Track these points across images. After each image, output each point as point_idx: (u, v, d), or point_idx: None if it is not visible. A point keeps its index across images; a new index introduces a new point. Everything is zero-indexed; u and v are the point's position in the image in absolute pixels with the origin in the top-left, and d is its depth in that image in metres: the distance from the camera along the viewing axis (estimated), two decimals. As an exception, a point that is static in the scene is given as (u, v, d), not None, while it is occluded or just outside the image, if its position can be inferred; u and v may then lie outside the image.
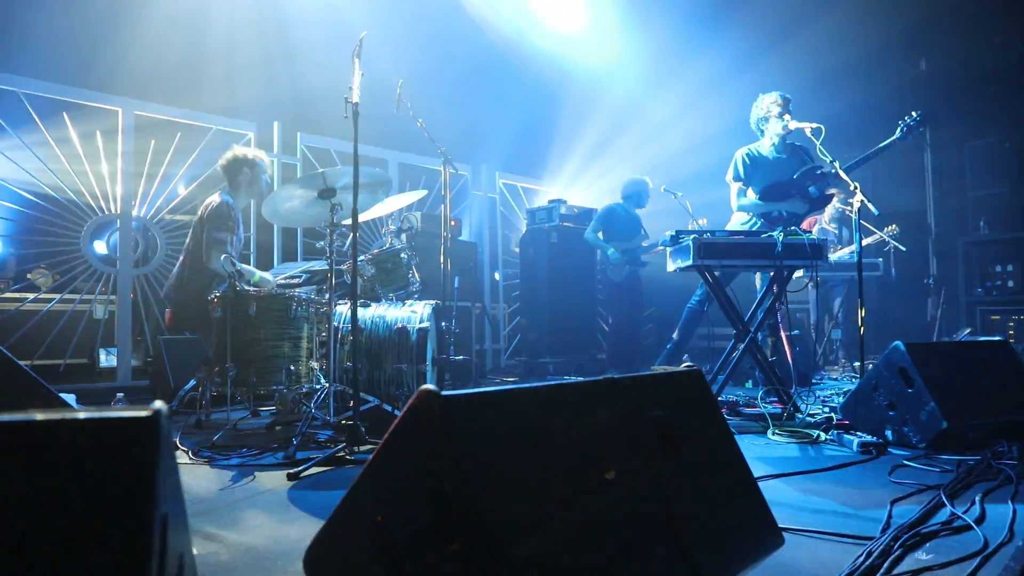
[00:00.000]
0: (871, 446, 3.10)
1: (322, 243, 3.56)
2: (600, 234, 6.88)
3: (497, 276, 8.72)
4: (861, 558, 1.69)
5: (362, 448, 3.10)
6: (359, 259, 3.73)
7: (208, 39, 6.06)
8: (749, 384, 5.62)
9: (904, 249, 7.12)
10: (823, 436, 3.43)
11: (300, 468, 2.76)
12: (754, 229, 4.76)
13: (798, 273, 4.45)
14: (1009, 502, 2.17)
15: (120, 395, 4.87)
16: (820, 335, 7.08)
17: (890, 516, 2.06)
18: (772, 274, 4.37)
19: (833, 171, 4.33)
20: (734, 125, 5.39)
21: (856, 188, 4.10)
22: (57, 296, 5.45)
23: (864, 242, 4.47)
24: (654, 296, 7.66)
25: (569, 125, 9.13)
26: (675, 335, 5.35)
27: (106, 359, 5.63)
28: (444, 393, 1.18)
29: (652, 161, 9.11)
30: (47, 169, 5.40)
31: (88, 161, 5.56)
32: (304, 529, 2.05)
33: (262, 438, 3.56)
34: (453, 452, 1.15)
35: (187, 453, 3.14)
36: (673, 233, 4.21)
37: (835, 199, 6.02)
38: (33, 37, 5.17)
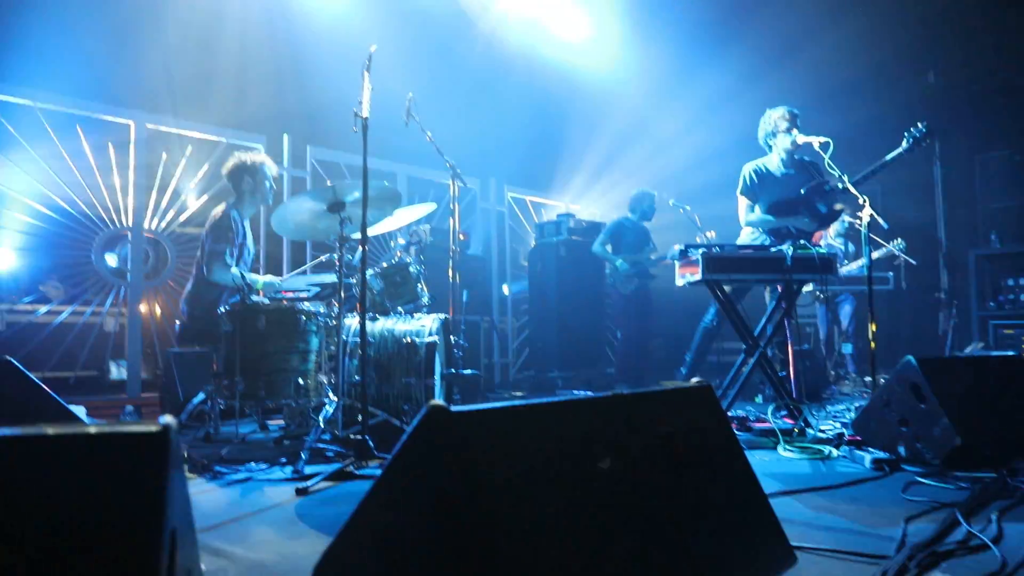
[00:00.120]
0: (884, 463, 3.06)
1: (327, 256, 3.56)
2: (608, 247, 6.88)
3: (506, 290, 8.72)
4: (875, 577, 1.66)
5: (371, 463, 3.09)
6: (368, 272, 3.74)
7: (219, 53, 6.11)
8: (759, 399, 5.58)
9: (915, 263, 7.08)
10: (835, 452, 3.40)
11: (308, 483, 2.75)
12: (763, 244, 4.75)
13: (807, 287, 4.43)
14: (1026, 520, 2.14)
15: (129, 408, 4.89)
16: (830, 350, 7.03)
17: (905, 534, 2.03)
18: (780, 288, 4.35)
19: (842, 185, 4.31)
20: (742, 138, 5.38)
21: (865, 202, 4.08)
22: (68, 308, 5.48)
23: (872, 255, 4.45)
24: (663, 310, 7.64)
25: (577, 139, 9.15)
26: (688, 356, 5.28)
27: (117, 371, 5.66)
28: (453, 408, 1.18)
29: (660, 174, 9.12)
30: (60, 182, 5.45)
31: (100, 174, 5.61)
32: (313, 545, 2.04)
33: (270, 452, 3.55)
34: (462, 467, 1.14)
35: (196, 467, 3.14)
36: (682, 247, 4.19)
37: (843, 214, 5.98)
38: (48, 53, 5.22)
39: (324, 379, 3.66)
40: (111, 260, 5.88)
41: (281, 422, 4.36)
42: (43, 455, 0.93)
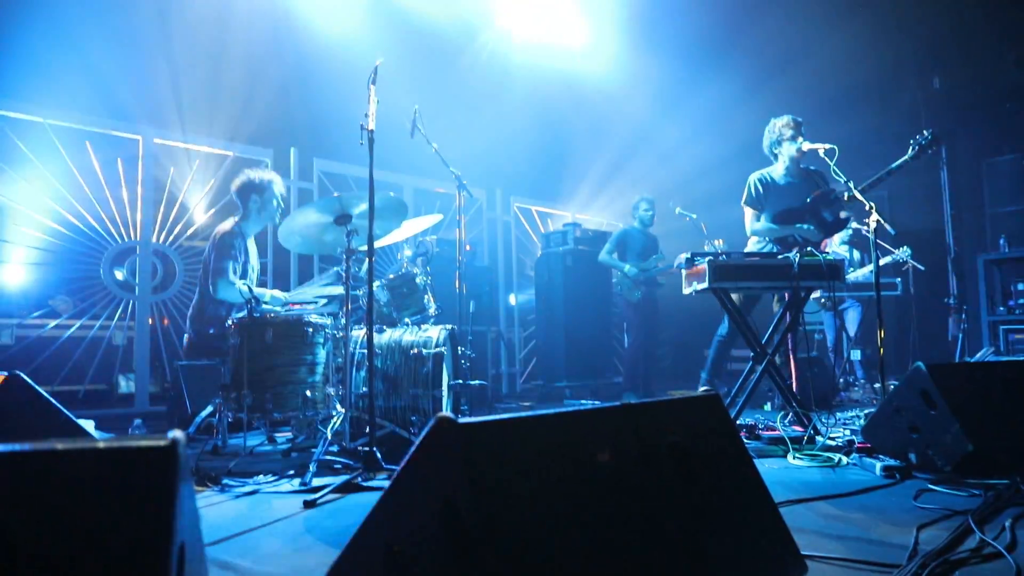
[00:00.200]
0: (895, 470, 3.04)
1: (336, 268, 3.58)
2: (615, 256, 6.88)
3: (512, 300, 8.73)
4: (887, 586, 1.65)
5: (379, 474, 3.09)
6: (375, 284, 3.75)
7: (226, 68, 6.16)
8: (768, 407, 5.56)
9: (923, 268, 7.05)
10: (845, 460, 3.38)
11: (316, 495, 2.75)
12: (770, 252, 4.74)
13: (815, 294, 4.41)
14: (1039, 528, 2.12)
15: (138, 421, 4.90)
16: (839, 357, 7.00)
17: (916, 542, 2.01)
18: (788, 296, 4.34)
19: (848, 192, 4.30)
20: (748, 146, 5.39)
21: (872, 208, 4.07)
22: (77, 322, 5.51)
23: (880, 262, 4.44)
24: (671, 318, 7.63)
25: (582, 148, 9.17)
26: (704, 374, 5.23)
27: (125, 385, 5.68)
28: (460, 420, 1.18)
29: (666, 183, 9.12)
30: (69, 197, 5.49)
31: (109, 189, 5.66)
32: (321, 557, 2.03)
33: (278, 464, 3.55)
34: (470, 479, 1.14)
35: (204, 480, 3.14)
36: (688, 255, 4.19)
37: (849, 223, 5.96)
38: (56, 70, 5.28)
39: (331, 391, 3.66)
40: (119, 274, 5.91)
41: (289, 434, 4.36)
42: (53, 470, 0.93)
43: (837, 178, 4.24)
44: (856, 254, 7.21)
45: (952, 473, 2.93)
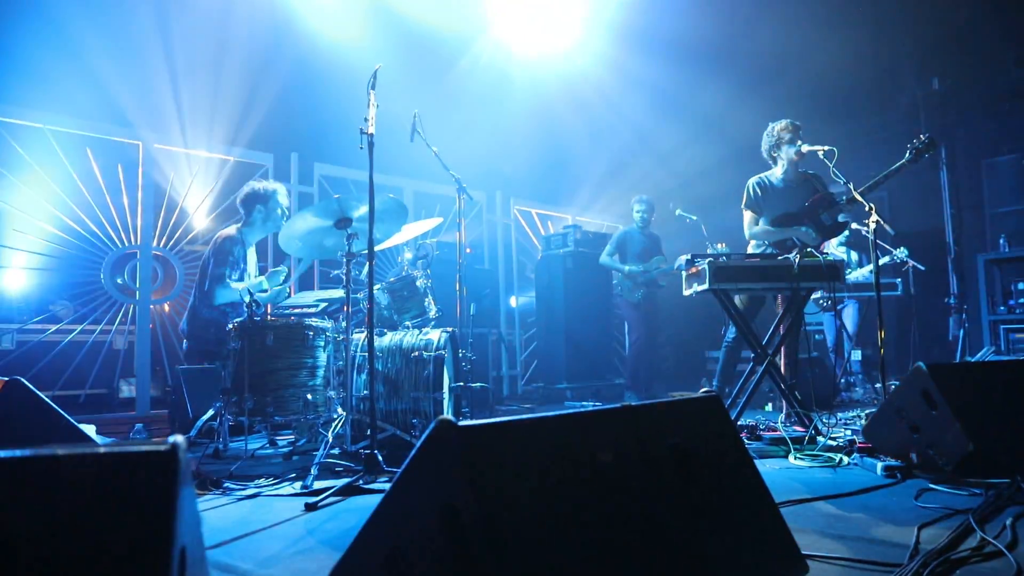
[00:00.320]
0: (896, 470, 3.04)
1: (338, 272, 3.59)
2: (615, 257, 6.88)
3: (513, 302, 8.73)
4: (888, 586, 1.65)
5: (380, 477, 3.09)
6: (375, 287, 3.75)
7: (226, 73, 6.18)
8: (768, 407, 5.56)
9: (923, 268, 7.05)
10: (846, 460, 3.38)
11: (318, 498, 2.75)
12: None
13: (815, 295, 4.40)
14: (1040, 527, 2.12)
15: (139, 426, 4.91)
16: (839, 357, 7.00)
17: (918, 542, 2.01)
18: (789, 296, 4.35)
19: (848, 194, 4.31)
20: (748, 148, 5.39)
21: (872, 209, 4.07)
22: (78, 327, 5.51)
23: (879, 262, 4.45)
24: (671, 319, 7.63)
25: (582, 151, 9.18)
26: (716, 382, 5.17)
27: (126, 390, 5.68)
28: (461, 424, 1.18)
29: (667, 185, 9.14)
30: (69, 202, 5.50)
31: (109, 194, 5.67)
32: (322, 560, 2.04)
33: (280, 467, 3.56)
34: (470, 482, 1.14)
35: (205, 484, 3.14)
36: (689, 257, 4.20)
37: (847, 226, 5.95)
38: (57, 76, 5.29)
39: (332, 394, 3.67)
40: (120, 279, 5.92)
41: (290, 437, 4.36)
42: (54, 475, 0.94)
43: (836, 179, 4.25)
44: (854, 255, 7.22)
45: (953, 473, 2.93)
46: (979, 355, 6.99)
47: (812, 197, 4.65)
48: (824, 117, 7.01)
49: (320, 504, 2.72)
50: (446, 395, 4.02)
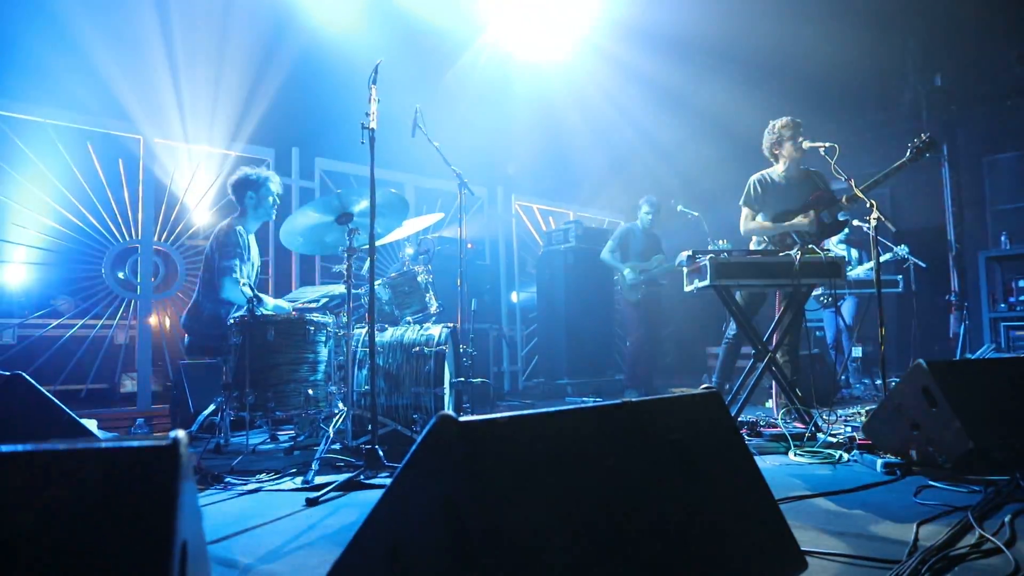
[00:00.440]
0: (895, 467, 3.04)
1: (339, 267, 3.59)
2: (617, 254, 6.87)
3: (514, 298, 8.73)
4: (887, 583, 1.66)
5: (381, 472, 3.10)
6: (376, 282, 3.75)
7: (227, 68, 6.17)
8: (769, 404, 5.56)
9: (924, 265, 7.05)
10: (846, 456, 3.38)
11: (319, 493, 2.76)
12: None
13: (816, 291, 4.39)
14: (1039, 524, 2.12)
15: (140, 420, 4.91)
16: (839, 353, 7.00)
17: (917, 538, 2.02)
18: (789, 293, 4.35)
19: (849, 192, 4.31)
20: (749, 144, 5.38)
21: (873, 206, 4.07)
22: (79, 322, 5.52)
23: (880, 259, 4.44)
24: (672, 316, 7.63)
25: (584, 146, 9.16)
26: (715, 377, 5.15)
27: (129, 384, 5.70)
28: (462, 419, 1.18)
29: (668, 181, 9.12)
30: (70, 197, 5.50)
31: (110, 188, 5.67)
32: (323, 555, 2.04)
33: (281, 462, 3.56)
34: (471, 478, 1.15)
35: (206, 479, 3.15)
36: (690, 253, 4.19)
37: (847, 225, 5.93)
38: (57, 70, 5.29)
39: (333, 389, 3.67)
40: (121, 273, 5.92)
41: (291, 433, 4.37)
42: (55, 470, 0.94)
43: (837, 176, 4.24)
44: (855, 253, 7.21)
45: (952, 470, 2.94)
46: (979, 352, 6.99)
47: (813, 194, 4.65)
48: (826, 113, 7.00)
49: (321, 499, 2.73)
50: (447, 391, 4.02)
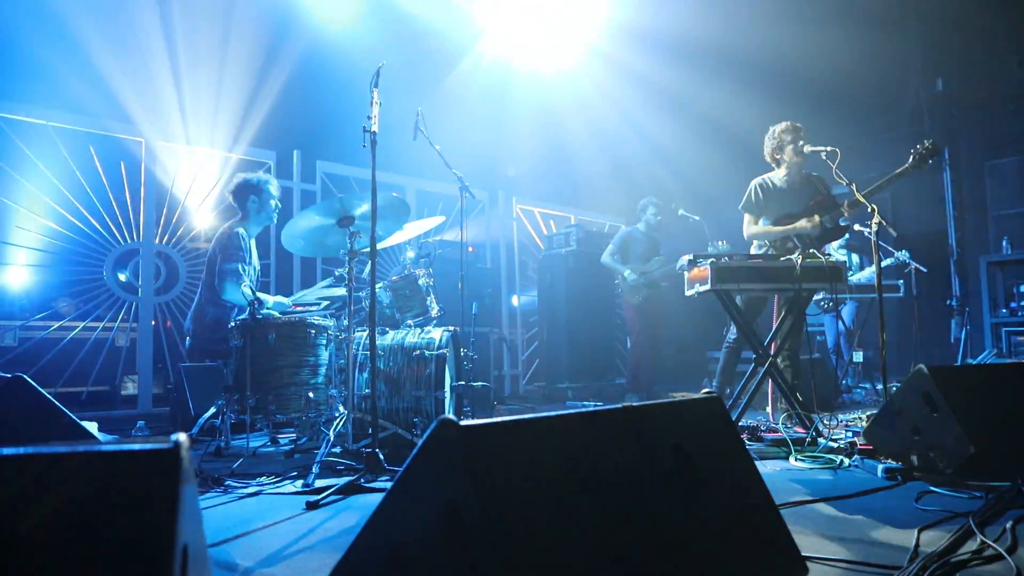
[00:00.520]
0: (896, 472, 3.04)
1: (340, 271, 3.59)
2: (617, 257, 6.87)
3: (515, 301, 8.73)
4: (888, 588, 1.65)
5: (381, 476, 3.09)
6: (377, 286, 3.75)
7: (229, 71, 6.19)
8: (768, 409, 5.55)
9: (925, 270, 7.04)
10: (846, 462, 3.38)
11: (319, 497, 2.76)
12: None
13: (817, 296, 4.38)
14: (1041, 530, 2.12)
15: (141, 423, 4.91)
16: (840, 358, 7.00)
17: (918, 544, 2.02)
18: (790, 297, 4.35)
19: (850, 197, 4.31)
20: (750, 147, 5.39)
21: (874, 210, 4.07)
22: (80, 324, 5.52)
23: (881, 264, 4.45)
24: (673, 320, 7.63)
25: (585, 150, 9.18)
26: (715, 382, 5.12)
27: (130, 387, 5.70)
28: (462, 423, 1.18)
29: (669, 184, 9.12)
30: (72, 199, 5.51)
31: (112, 191, 5.68)
32: (323, 558, 2.04)
33: (281, 465, 3.56)
34: (472, 481, 1.15)
35: (207, 481, 3.15)
36: (691, 257, 4.19)
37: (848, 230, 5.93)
38: (60, 73, 5.30)
39: (334, 392, 3.67)
40: (122, 276, 5.93)
41: (292, 436, 4.37)
42: (57, 473, 0.94)
43: (839, 181, 4.24)
44: (855, 258, 7.21)
45: (954, 475, 2.93)
46: (981, 358, 6.98)
47: (814, 199, 4.65)
48: (828, 118, 7.00)
49: (321, 502, 2.73)
50: (448, 394, 4.02)
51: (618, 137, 9.18)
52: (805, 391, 4.49)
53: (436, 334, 4.00)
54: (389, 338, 4.03)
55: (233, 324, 3.56)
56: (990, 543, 1.96)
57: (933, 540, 2.05)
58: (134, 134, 5.81)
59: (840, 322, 6.87)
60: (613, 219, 10.03)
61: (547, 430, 1.35)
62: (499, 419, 1.28)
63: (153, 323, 5.78)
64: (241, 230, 4.36)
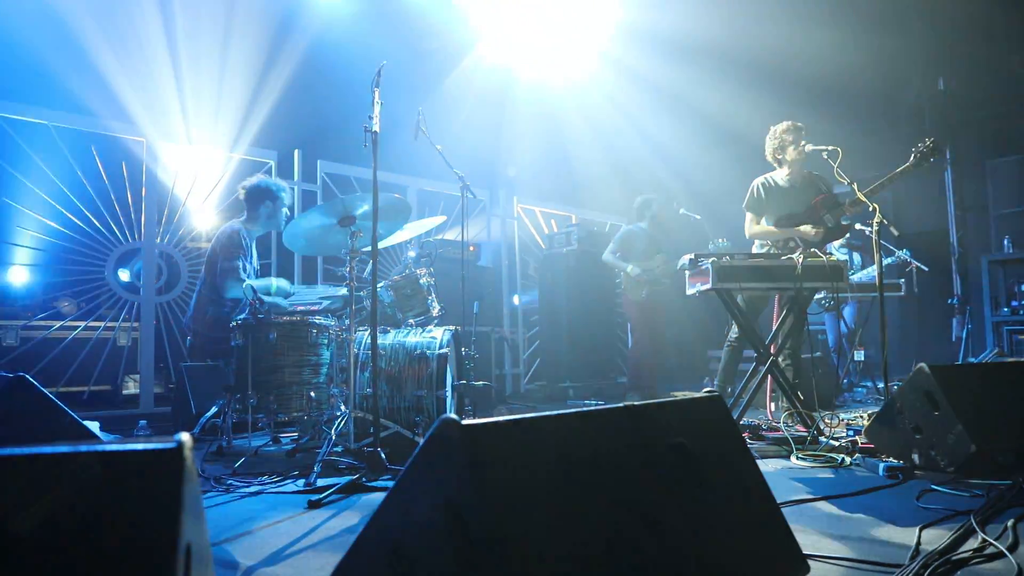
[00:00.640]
0: (898, 470, 3.04)
1: (343, 270, 3.59)
2: (618, 255, 6.86)
3: (516, 300, 8.73)
4: (889, 587, 1.65)
5: (383, 475, 3.10)
6: (379, 285, 3.76)
7: (230, 70, 6.19)
8: (768, 406, 5.55)
9: (927, 269, 7.04)
10: (848, 460, 3.38)
11: (321, 495, 2.76)
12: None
13: (818, 295, 4.38)
14: (1042, 528, 2.12)
15: (143, 422, 4.92)
16: (841, 357, 7.00)
17: (919, 543, 2.02)
18: (791, 296, 4.35)
19: (851, 196, 4.31)
20: (751, 146, 5.39)
21: (875, 209, 4.07)
22: (82, 324, 5.53)
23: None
24: (674, 319, 7.62)
25: (586, 149, 9.17)
26: (717, 379, 5.10)
27: (131, 386, 5.71)
28: (464, 422, 1.18)
29: (670, 183, 9.12)
30: (73, 199, 5.51)
31: (113, 190, 5.68)
32: (325, 558, 2.04)
33: (283, 465, 3.56)
34: (474, 481, 1.15)
35: (209, 481, 3.15)
36: (692, 256, 4.19)
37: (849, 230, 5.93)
38: (61, 72, 5.31)
39: (336, 392, 3.67)
40: (124, 275, 5.93)
41: (294, 435, 4.37)
42: (60, 472, 0.94)
43: (840, 180, 4.24)
44: (858, 257, 7.21)
45: (955, 474, 2.94)
46: (982, 357, 6.98)
47: (816, 198, 4.65)
48: (829, 117, 6.98)
49: (323, 501, 2.73)
50: (449, 393, 4.02)
51: (619, 136, 9.17)
52: (806, 390, 4.48)
53: (437, 333, 4.00)
54: (391, 337, 4.04)
55: (234, 323, 3.56)
56: (991, 541, 1.96)
57: (934, 538, 2.05)
58: (135, 134, 5.81)
59: (841, 321, 6.87)
60: (614, 218, 10.02)
61: (549, 429, 1.36)
62: (501, 418, 1.28)
63: (155, 323, 5.78)
64: (244, 229, 4.37)
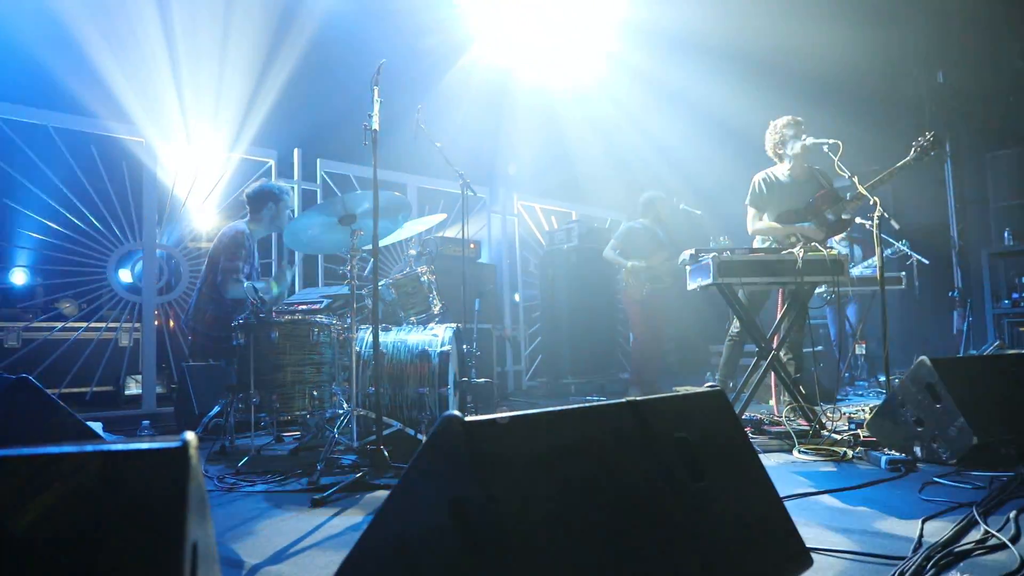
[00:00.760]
0: (900, 463, 3.05)
1: (344, 269, 3.59)
2: (619, 252, 6.86)
3: (517, 298, 8.73)
4: (892, 579, 1.66)
5: (386, 473, 3.10)
6: (380, 283, 3.76)
7: (229, 70, 6.18)
8: (771, 402, 5.55)
9: (927, 262, 7.04)
10: (850, 453, 3.39)
11: (324, 494, 2.77)
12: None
13: (819, 289, 4.38)
14: (1044, 519, 2.13)
15: (146, 423, 4.93)
16: (843, 350, 7.00)
17: (921, 535, 2.02)
18: (792, 290, 4.35)
19: (853, 189, 4.30)
20: (751, 141, 5.38)
21: (876, 203, 4.07)
22: (83, 325, 5.54)
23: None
24: (676, 314, 7.62)
25: (586, 146, 9.16)
26: (719, 374, 5.10)
27: (134, 387, 5.71)
28: (467, 419, 1.19)
29: (670, 179, 9.11)
30: (74, 200, 5.51)
31: (113, 191, 5.68)
32: (329, 555, 2.05)
33: (286, 464, 3.57)
34: (477, 477, 1.15)
35: (213, 480, 3.16)
36: (693, 251, 4.19)
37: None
38: (60, 72, 5.30)
39: (338, 390, 3.68)
40: (125, 276, 5.94)
41: (296, 434, 4.38)
42: (64, 472, 0.95)
43: (841, 173, 4.24)
44: (859, 250, 7.20)
45: (957, 466, 2.94)
46: (983, 349, 6.98)
47: (817, 193, 4.64)
48: (829, 110, 6.98)
49: (327, 500, 2.74)
50: (451, 391, 4.03)
51: (619, 132, 9.16)
52: (808, 383, 4.49)
53: (439, 331, 4.01)
54: (392, 335, 4.04)
55: (236, 323, 3.56)
56: (994, 532, 1.96)
57: (937, 530, 2.06)
58: (135, 134, 5.81)
59: (842, 315, 6.87)
60: (615, 214, 10.02)
61: (551, 425, 1.36)
62: (503, 415, 1.29)
63: (157, 323, 5.79)
64: (246, 230, 4.37)
